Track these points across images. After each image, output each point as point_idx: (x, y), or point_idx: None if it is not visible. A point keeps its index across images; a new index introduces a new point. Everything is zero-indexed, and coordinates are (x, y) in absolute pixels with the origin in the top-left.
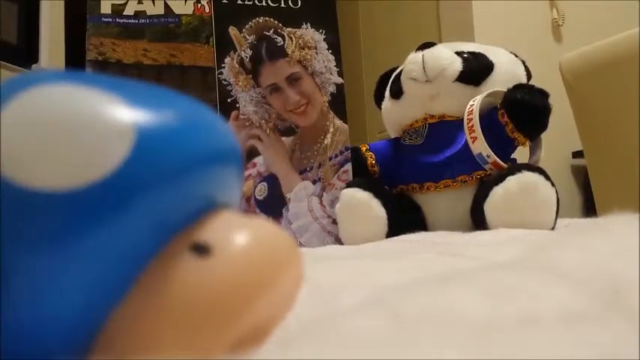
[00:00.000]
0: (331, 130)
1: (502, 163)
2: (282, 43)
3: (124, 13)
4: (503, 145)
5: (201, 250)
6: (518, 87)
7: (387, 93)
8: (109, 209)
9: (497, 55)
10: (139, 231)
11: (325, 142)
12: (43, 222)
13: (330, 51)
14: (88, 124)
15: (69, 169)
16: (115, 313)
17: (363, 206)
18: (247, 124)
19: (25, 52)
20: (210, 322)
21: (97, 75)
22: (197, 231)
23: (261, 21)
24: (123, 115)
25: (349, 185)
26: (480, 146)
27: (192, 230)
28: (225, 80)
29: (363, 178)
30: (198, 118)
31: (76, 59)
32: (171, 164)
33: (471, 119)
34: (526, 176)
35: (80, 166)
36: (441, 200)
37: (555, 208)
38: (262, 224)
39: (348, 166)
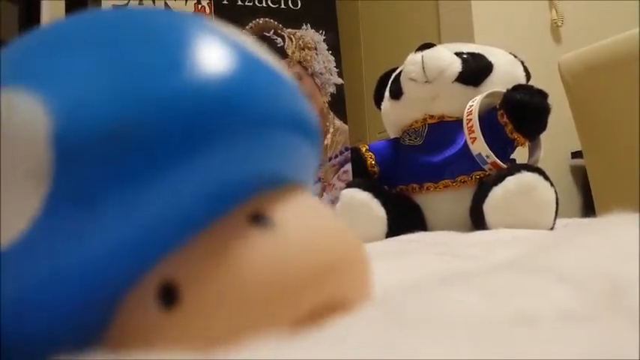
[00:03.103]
0: (331, 130)
1: (501, 163)
2: (282, 44)
3: None
4: (502, 146)
5: (262, 221)
6: (517, 87)
7: (387, 93)
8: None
9: (496, 55)
10: (191, 191)
11: (325, 142)
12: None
13: (330, 52)
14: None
15: None
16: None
17: (362, 206)
18: None
19: None
20: (275, 298)
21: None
22: (259, 203)
23: (261, 22)
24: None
25: (349, 185)
26: (479, 146)
27: (253, 202)
28: None
29: (362, 179)
30: (260, 65)
31: None
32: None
33: (471, 120)
34: (525, 176)
35: None
36: (441, 200)
37: (554, 208)
38: (327, 208)
39: (348, 167)
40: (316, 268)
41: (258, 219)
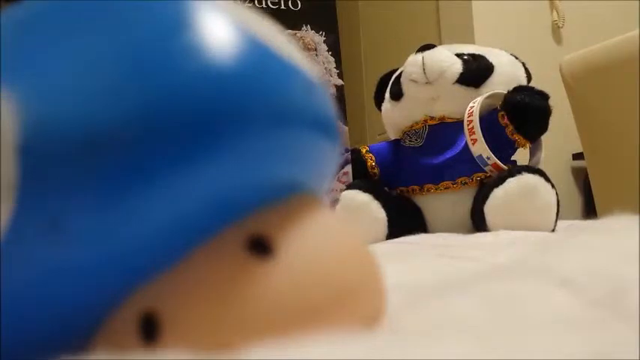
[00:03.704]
0: None
1: (502, 164)
2: None
3: None
4: (503, 147)
5: (261, 247)
6: (518, 89)
7: (387, 95)
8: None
9: (497, 56)
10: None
11: None
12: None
13: (330, 53)
14: None
15: None
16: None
17: (363, 208)
18: None
19: None
20: (266, 337)
21: None
22: (260, 221)
23: None
24: None
25: (349, 187)
26: (480, 148)
27: (253, 220)
28: None
29: (363, 180)
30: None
31: None
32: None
33: (471, 121)
34: (526, 178)
35: None
36: (441, 202)
37: (555, 210)
38: (338, 224)
39: (348, 168)
40: (319, 306)
41: (257, 244)
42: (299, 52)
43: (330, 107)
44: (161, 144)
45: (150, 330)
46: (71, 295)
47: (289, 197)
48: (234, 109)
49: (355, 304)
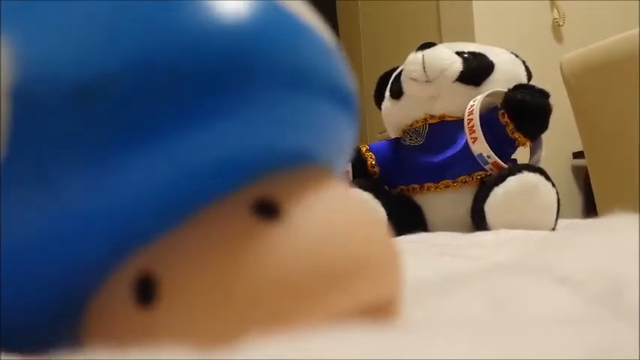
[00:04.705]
0: None
1: (502, 163)
2: None
3: None
4: (503, 146)
5: (268, 210)
6: (518, 87)
7: (388, 93)
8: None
9: (497, 55)
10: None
11: None
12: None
13: None
14: None
15: None
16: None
17: None
18: None
19: None
20: (272, 305)
21: None
22: (268, 187)
23: None
24: None
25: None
26: (480, 146)
27: (261, 185)
28: None
29: (363, 179)
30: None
31: None
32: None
33: (472, 119)
34: (526, 177)
35: None
36: (442, 200)
37: (556, 209)
38: (351, 192)
39: (348, 167)
40: (330, 270)
41: (265, 207)
42: (316, 19)
43: (348, 77)
44: (161, 97)
45: (146, 293)
46: (59, 256)
47: (301, 167)
48: (242, 64)
49: (366, 275)
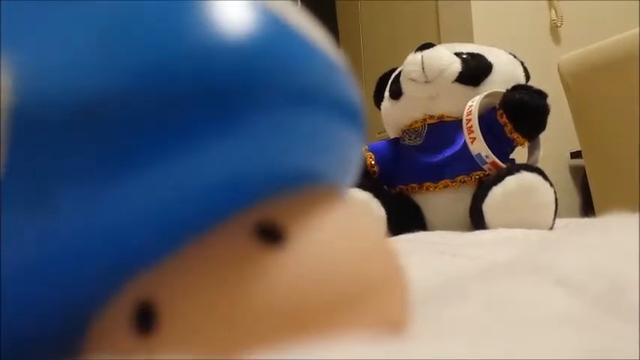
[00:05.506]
0: None
1: (501, 163)
2: None
3: None
4: (501, 146)
5: (270, 235)
6: (516, 88)
7: (387, 93)
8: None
9: (496, 55)
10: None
11: None
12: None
13: None
14: None
15: None
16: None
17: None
18: None
19: None
20: (269, 333)
21: None
22: (270, 210)
23: None
24: None
25: None
26: (478, 146)
27: (263, 208)
28: None
29: (362, 179)
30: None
31: None
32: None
33: (470, 120)
34: (525, 176)
35: None
36: (440, 200)
37: (554, 208)
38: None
39: None
40: (333, 297)
41: (267, 231)
42: (321, 34)
43: (355, 93)
44: (161, 118)
45: (145, 321)
46: (57, 276)
47: (306, 187)
48: (245, 83)
49: (371, 300)
